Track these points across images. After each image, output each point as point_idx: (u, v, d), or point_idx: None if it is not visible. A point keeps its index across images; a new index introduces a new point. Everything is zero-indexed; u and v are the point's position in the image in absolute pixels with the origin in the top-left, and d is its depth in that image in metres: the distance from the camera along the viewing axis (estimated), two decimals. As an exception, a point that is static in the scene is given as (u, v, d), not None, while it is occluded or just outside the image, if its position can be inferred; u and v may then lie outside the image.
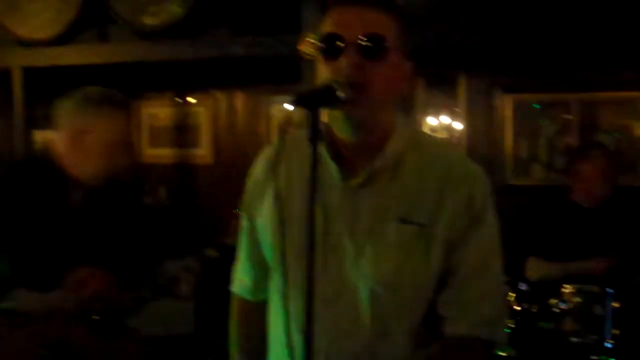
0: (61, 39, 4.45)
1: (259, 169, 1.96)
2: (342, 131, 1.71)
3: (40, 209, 2.73)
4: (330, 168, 1.72)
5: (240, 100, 5.00)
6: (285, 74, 4.27)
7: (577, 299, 3.42)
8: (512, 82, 4.35)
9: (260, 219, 1.90)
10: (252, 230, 1.96)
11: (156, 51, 4.26)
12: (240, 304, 2.10)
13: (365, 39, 1.63)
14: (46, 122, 5.11)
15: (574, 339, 3.38)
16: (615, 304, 3.38)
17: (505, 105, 4.40)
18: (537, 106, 4.37)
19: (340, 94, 1.61)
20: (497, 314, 1.75)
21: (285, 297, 1.74)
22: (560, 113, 4.35)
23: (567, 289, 3.42)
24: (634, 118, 4.20)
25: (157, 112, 5.34)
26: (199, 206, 5.13)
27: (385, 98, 1.70)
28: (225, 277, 2.23)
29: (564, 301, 3.42)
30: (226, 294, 2.21)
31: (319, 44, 1.66)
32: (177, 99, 5.18)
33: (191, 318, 4.10)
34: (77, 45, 4.47)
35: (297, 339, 1.62)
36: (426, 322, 1.74)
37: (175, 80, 5.01)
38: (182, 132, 5.24)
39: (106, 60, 4.44)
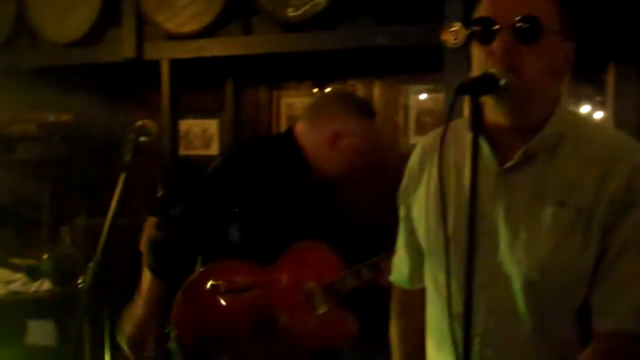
0: (207, 32, 4.59)
1: (414, 158, 1.98)
2: (496, 115, 1.71)
3: (276, 186, 2.94)
4: (484, 151, 1.71)
5: (378, 89, 5.02)
6: (425, 63, 4.27)
7: None
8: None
9: (415, 208, 1.93)
10: (408, 219, 1.99)
11: (298, 42, 4.33)
12: (399, 293, 2.15)
13: (520, 22, 1.61)
14: (190, 111, 5.38)
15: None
16: None
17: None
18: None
19: (502, 81, 1.62)
20: None
21: (438, 284, 1.76)
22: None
23: None
24: None
25: (295, 101, 5.43)
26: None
27: (542, 82, 1.68)
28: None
29: None
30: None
31: (473, 28, 1.67)
32: (315, 89, 5.25)
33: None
34: (222, 38, 4.60)
35: (456, 326, 1.63)
36: (581, 315, 1.70)
37: (314, 70, 5.08)
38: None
39: (249, 52, 4.55)
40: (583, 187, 1.65)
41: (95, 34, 4.98)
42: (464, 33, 3.66)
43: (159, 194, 4.44)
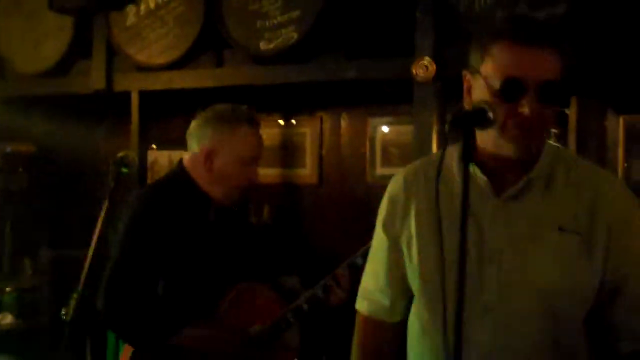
0: (178, 64, 4.64)
1: (397, 189, 2.02)
2: (502, 148, 1.81)
3: (184, 229, 2.83)
4: (480, 182, 1.83)
5: (345, 121, 5.10)
6: (393, 96, 4.37)
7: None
8: (624, 103, 4.32)
9: (404, 238, 1.97)
10: (395, 249, 2.01)
11: (270, 75, 4.39)
12: (372, 326, 2.13)
13: (544, 87, 1.71)
14: (159, 143, 5.38)
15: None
16: None
17: (617, 126, 4.38)
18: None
19: (491, 115, 1.70)
20: None
21: (436, 312, 1.80)
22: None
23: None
24: None
25: (263, 133, 5.46)
26: (302, 225, 5.24)
27: (548, 128, 1.89)
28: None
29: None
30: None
31: (496, 85, 1.73)
32: (282, 120, 5.31)
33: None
34: (193, 70, 4.65)
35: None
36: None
37: (282, 101, 5.14)
38: (286, 152, 5.37)
39: (219, 84, 4.60)
40: (578, 212, 1.80)
41: (65, 65, 5.01)
42: (434, 67, 3.77)
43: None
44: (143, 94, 4.85)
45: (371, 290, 2.13)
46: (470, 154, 1.68)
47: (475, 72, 1.80)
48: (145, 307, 2.72)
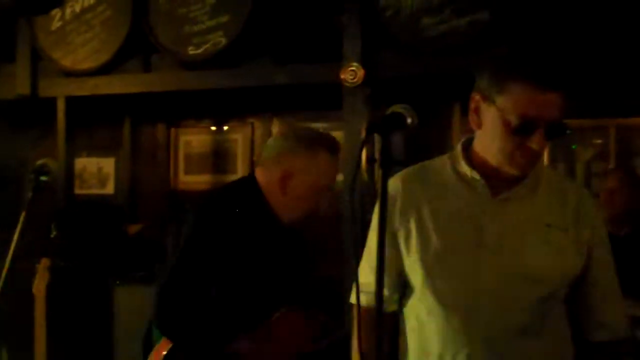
0: (105, 69, 4.57)
1: (395, 188, 2.17)
2: (508, 171, 2.02)
3: (246, 243, 2.73)
4: (477, 184, 2.07)
5: (277, 127, 5.09)
6: (323, 101, 4.38)
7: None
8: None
9: (402, 233, 2.14)
10: (391, 243, 2.13)
11: (198, 80, 4.37)
12: (369, 316, 2.20)
13: (552, 125, 1.90)
14: (86, 150, 5.30)
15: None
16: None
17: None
18: (570, 132, 4.43)
19: (409, 120, 1.74)
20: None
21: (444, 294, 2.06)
22: (596, 138, 4.43)
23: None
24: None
25: (193, 139, 5.44)
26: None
27: None
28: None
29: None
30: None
31: (513, 121, 1.90)
32: (214, 126, 5.28)
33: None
34: (120, 75, 4.59)
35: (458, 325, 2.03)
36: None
37: (213, 107, 5.11)
38: (218, 158, 5.33)
39: (147, 89, 4.55)
40: (564, 212, 2.07)
41: (-12, 70, 4.89)
42: (362, 72, 3.79)
43: (53, 234, 4.32)
44: (70, 100, 4.77)
45: (370, 283, 2.18)
46: (389, 158, 1.72)
47: (490, 101, 1.95)
48: (199, 313, 2.66)
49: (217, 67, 4.27)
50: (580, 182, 4.41)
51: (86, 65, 4.59)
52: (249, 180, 2.85)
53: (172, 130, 5.41)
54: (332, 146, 2.83)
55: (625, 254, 3.71)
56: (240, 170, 5.25)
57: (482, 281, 2.02)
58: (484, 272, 2.01)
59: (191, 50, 4.25)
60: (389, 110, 1.79)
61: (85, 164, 5.50)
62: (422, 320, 2.15)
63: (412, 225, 2.12)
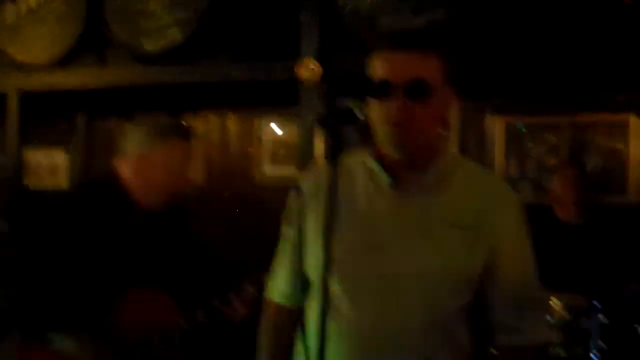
0: (60, 63, 4.53)
1: (304, 186, 2.11)
2: (388, 151, 1.94)
3: (103, 230, 2.84)
4: (381, 178, 1.97)
5: (232, 122, 5.10)
6: (279, 97, 4.39)
7: (565, 313, 3.57)
8: (502, 105, 4.51)
9: (308, 230, 2.06)
10: (296, 240, 2.10)
11: (154, 75, 4.36)
12: (276, 309, 2.25)
13: (410, 84, 1.84)
14: (38, 143, 5.23)
15: (562, 352, 3.52)
16: (602, 318, 3.54)
17: (495, 127, 4.57)
18: (523, 128, 4.54)
19: (359, 114, 1.77)
20: (543, 315, 2.12)
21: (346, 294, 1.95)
22: (549, 135, 4.52)
23: (555, 303, 3.57)
24: (622, 140, 4.38)
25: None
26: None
27: (429, 131, 1.93)
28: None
29: (551, 315, 3.56)
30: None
31: (370, 87, 1.90)
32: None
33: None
34: (74, 69, 4.55)
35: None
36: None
37: (168, 102, 5.09)
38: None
39: (102, 84, 4.52)
40: (467, 213, 1.94)
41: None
42: (319, 69, 3.81)
43: (3, 227, 4.27)
44: (23, 94, 4.71)
45: (279, 280, 2.23)
46: (337, 153, 1.74)
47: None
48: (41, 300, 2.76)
49: (173, 63, 4.26)
50: (533, 178, 4.55)
51: (40, 59, 4.54)
52: (108, 173, 3.01)
53: (127, 124, 5.36)
54: (183, 133, 3.03)
55: (575, 245, 3.87)
56: (195, 164, 5.23)
57: (366, 284, 1.92)
58: (370, 274, 1.92)
59: (147, 45, 4.23)
60: (341, 105, 1.83)
61: (38, 156, 5.44)
62: (316, 322, 2.02)
63: (317, 224, 2.01)
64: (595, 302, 3.55)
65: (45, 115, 5.26)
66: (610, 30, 3.44)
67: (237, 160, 5.10)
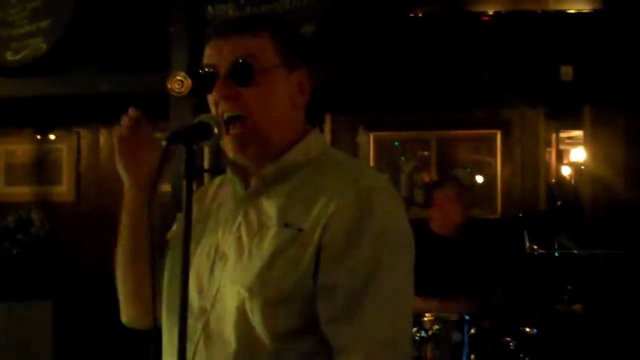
0: None
1: (198, 193, 1.92)
2: (233, 157, 1.72)
3: None
4: (236, 183, 1.75)
5: (104, 136, 4.95)
6: (150, 111, 4.28)
7: (436, 327, 3.61)
8: (374, 121, 4.55)
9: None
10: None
11: (17, 87, 4.15)
12: None
13: (233, 67, 1.65)
14: None
15: (434, 366, 3.56)
16: (472, 330, 3.61)
17: (368, 142, 4.61)
18: (397, 144, 4.59)
19: (215, 128, 1.64)
20: (392, 334, 1.66)
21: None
22: (419, 150, 4.59)
23: (427, 317, 3.61)
24: (487, 154, 4.49)
25: (15, 148, 5.20)
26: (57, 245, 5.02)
27: (272, 117, 1.71)
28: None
29: (424, 329, 3.59)
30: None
31: (197, 81, 1.74)
32: (37, 135, 5.06)
33: None
34: None
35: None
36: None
37: (35, 116, 4.91)
38: (41, 169, 5.12)
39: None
40: (311, 210, 1.66)
41: None
42: (189, 82, 3.72)
43: None
44: None
45: None
46: (192, 169, 1.60)
47: None
48: None
49: (38, 74, 4.09)
50: (404, 192, 4.60)
51: None
52: None
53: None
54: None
55: (449, 257, 3.96)
56: (65, 181, 5.07)
57: (201, 302, 1.70)
58: (205, 290, 1.70)
59: (9, 56, 4.05)
60: (195, 120, 1.72)
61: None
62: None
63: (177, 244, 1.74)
64: (465, 316, 3.61)
65: None
66: (475, 52, 3.52)
67: (109, 177, 4.94)
